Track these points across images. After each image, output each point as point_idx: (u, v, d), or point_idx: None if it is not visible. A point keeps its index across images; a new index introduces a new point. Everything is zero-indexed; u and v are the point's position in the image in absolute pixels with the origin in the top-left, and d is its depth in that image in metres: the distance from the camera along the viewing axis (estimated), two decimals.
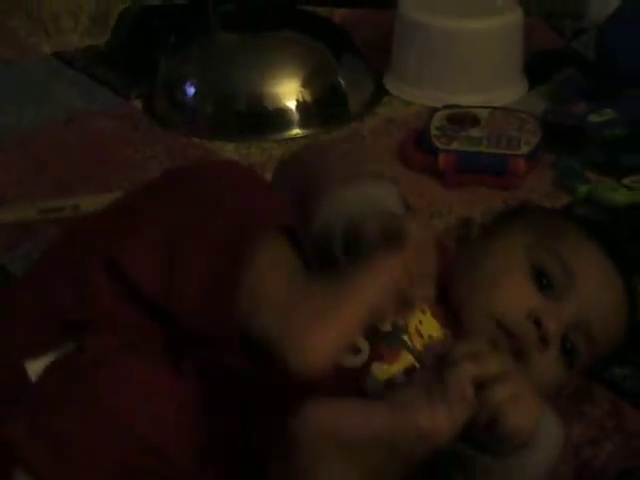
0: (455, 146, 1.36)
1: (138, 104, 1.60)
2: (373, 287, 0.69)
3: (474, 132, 1.40)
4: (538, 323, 0.81)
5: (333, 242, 0.78)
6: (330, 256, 0.78)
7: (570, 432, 0.91)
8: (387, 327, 0.78)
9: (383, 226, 0.75)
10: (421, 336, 0.79)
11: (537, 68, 1.66)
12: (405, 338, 0.78)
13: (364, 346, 0.76)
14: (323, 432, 0.66)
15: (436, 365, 0.71)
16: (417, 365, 0.78)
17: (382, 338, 0.77)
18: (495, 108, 1.48)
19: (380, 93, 1.63)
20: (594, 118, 1.41)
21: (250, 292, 0.68)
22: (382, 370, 0.76)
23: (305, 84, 1.52)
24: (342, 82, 1.56)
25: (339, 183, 0.82)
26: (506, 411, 0.70)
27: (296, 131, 1.50)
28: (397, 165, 1.40)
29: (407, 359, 0.78)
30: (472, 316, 0.82)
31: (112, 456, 0.70)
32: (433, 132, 1.39)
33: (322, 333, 0.66)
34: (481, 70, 1.59)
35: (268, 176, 1.02)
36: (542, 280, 0.84)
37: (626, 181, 1.32)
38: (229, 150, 1.45)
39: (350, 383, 0.75)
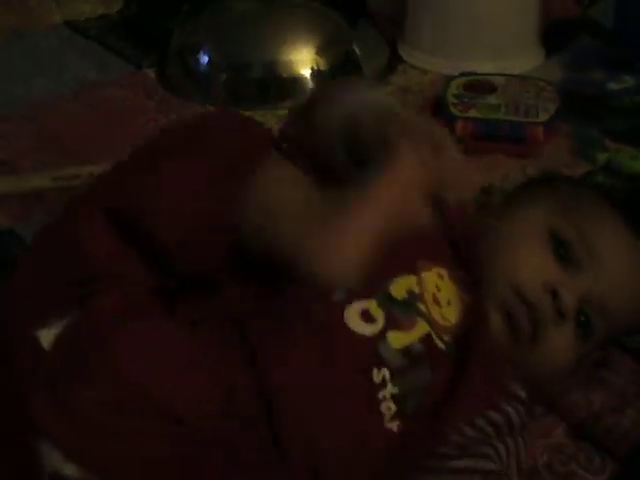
0: (473, 114, 1.35)
1: (151, 73, 1.59)
2: (389, 193, 0.69)
3: (492, 99, 1.38)
4: (554, 294, 0.80)
5: (335, 147, 0.77)
6: (336, 164, 0.77)
7: (592, 400, 0.90)
8: (403, 295, 0.77)
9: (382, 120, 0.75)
10: (438, 303, 0.79)
11: (554, 36, 1.64)
12: (421, 306, 0.78)
13: (379, 315, 0.76)
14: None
15: None
16: (433, 335, 0.77)
17: (397, 306, 0.77)
18: (512, 76, 1.46)
19: (395, 61, 1.62)
20: (613, 86, 1.39)
21: (261, 207, 0.70)
22: (397, 339, 0.76)
23: (320, 52, 1.50)
24: (357, 50, 1.55)
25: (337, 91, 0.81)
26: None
27: None
28: None
29: (423, 327, 0.78)
30: (490, 281, 0.82)
31: (132, 422, 0.69)
32: (450, 100, 1.38)
33: (345, 244, 0.67)
34: (497, 37, 1.57)
35: None
36: (561, 250, 0.83)
37: None
38: None
39: (367, 351, 0.75)
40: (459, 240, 0.85)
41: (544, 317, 0.81)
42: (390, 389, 0.75)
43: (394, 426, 0.75)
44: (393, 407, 0.75)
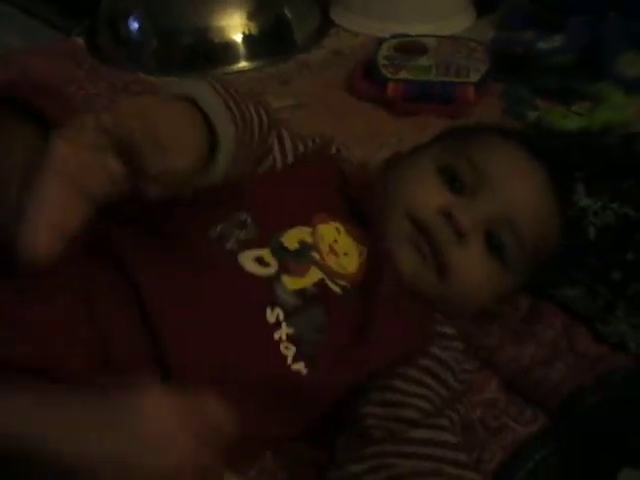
0: (404, 75, 1.35)
1: (80, 41, 1.56)
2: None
3: (423, 61, 1.39)
4: (449, 217, 0.82)
5: None
6: None
7: (523, 354, 0.92)
8: (295, 245, 0.80)
9: None
10: (336, 254, 0.82)
11: None
12: (314, 255, 0.81)
13: (272, 261, 0.78)
14: None
15: None
16: (327, 280, 0.80)
17: (289, 255, 0.79)
18: (443, 37, 1.47)
19: (327, 24, 1.62)
20: (542, 45, 1.40)
21: None
22: (291, 282, 0.78)
23: (251, 17, 1.49)
24: (288, 14, 1.54)
25: None
26: None
27: (243, 64, 1.48)
28: (346, 96, 1.38)
29: (316, 274, 0.80)
30: (387, 219, 0.84)
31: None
32: (381, 62, 1.38)
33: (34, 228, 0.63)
34: None
35: None
36: (452, 181, 0.86)
37: (575, 107, 1.32)
38: None
39: (261, 290, 0.76)
40: (357, 196, 0.87)
41: (441, 238, 0.82)
42: (285, 329, 0.75)
43: (301, 368, 0.75)
44: (292, 347, 0.75)
